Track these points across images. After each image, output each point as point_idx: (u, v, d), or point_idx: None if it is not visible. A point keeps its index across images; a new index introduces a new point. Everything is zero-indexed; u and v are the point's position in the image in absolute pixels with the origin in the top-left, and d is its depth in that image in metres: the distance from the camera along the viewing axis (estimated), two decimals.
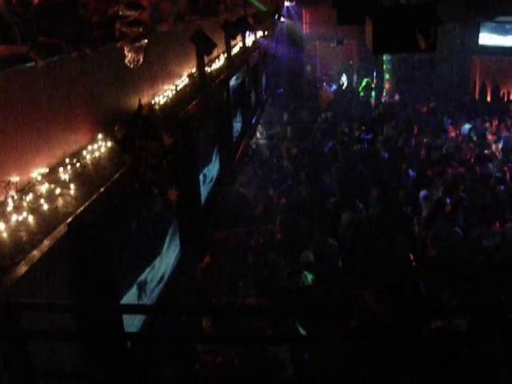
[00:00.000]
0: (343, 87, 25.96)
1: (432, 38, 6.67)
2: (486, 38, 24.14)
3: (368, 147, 12.38)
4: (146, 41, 5.29)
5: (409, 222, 11.04)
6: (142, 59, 5.24)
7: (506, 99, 23.71)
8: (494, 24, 23.68)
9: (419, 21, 6.91)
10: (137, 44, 5.16)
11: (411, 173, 12.80)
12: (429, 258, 9.60)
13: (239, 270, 8.99)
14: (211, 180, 9.53)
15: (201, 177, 8.62)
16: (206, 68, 10.03)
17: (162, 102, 7.70)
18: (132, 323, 5.16)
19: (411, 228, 10.87)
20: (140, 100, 5.60)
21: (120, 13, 5.24)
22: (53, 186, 4.50)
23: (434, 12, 7.25)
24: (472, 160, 14.56)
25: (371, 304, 2.61)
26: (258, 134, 17.75)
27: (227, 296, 7.95)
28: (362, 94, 23.74)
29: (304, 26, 26.71)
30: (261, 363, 5.70)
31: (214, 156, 9.92)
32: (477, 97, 24.61)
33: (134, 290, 5.43)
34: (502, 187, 11.90)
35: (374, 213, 11.20)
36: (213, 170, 9.78)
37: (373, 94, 21.98)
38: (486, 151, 15.39)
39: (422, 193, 11.32)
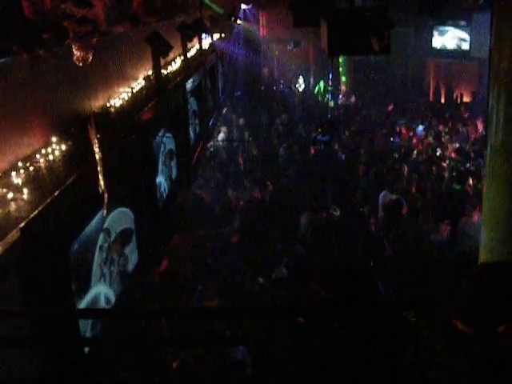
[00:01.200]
0: (300, 89, 26.14)
1: (385, 40, 6.76)
2: (439, 41, 24.66)
3: (325, 149, 12.51)
4: (95, 39, 5.19)
5: (366, 222, 11.18)
6: (91, 58, 5.14)
7: (459, 101, 24.25)
8: (446, 27, 24.22)
9: (373, 24, 6.99)
10: (85, 42, 5.06)
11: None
12: (386, 257, 9.77)
13: (198, 273, 8.99)
14: (168, 184, 9.48)
15: (158, 180, 8.57)
16: (163, 70, 9.97)
17: (117, 105, 7.63)
18: (89, 328, 5.10)
19: (369, 228, 11.01)
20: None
21: (68, 10, 5.14)
22: (5, 190, 4.42)
23: (387, 15, 7.36)
24: (426, 159, 14.87)
25: (318, 290, 2.58)
26: (216, 137, 17.73)
27: (186, 299, 7.94)
28: (319, 96, 23.97)
29: (261, 29, 26.81)
30: (219, 365, 5.70)
31: (172, 159, 9.87)
32: (431, 99, 25.10)
33: (91, 295, 5.37)
34: (457, 186, 12.18)
35: (332, 213, 11.30)
36: (170, 173, 9.73)
37: (329, 96, 22.19)
38: (440, 151, 15.72)
39: (382, 193, 11.46)
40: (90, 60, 5.14)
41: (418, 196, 11.92)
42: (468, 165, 14.08)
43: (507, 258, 6.44)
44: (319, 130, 11.65)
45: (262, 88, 25.45)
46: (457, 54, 24.12)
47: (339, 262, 8.56)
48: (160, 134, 8.77)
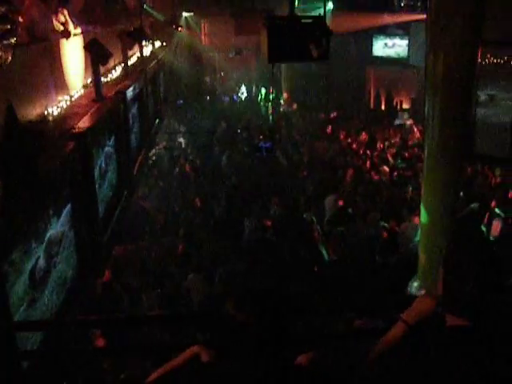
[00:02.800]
0: (243, 97, 26.24)
1: (324, 47, 6.85)
2: (379, 50, 25.19)
3: (266, 155, 12.59)
4: (14, 40, 5.03)
5: (310, 227, 11.25)
6: (10, 58, 4.98)
7: (398, 107, 24.80)
8: (386, 36, 24.77)
9: (312, 31, 7.09)
10: (5, 42, 4.90)
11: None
12: (330, 262, 9.84)
13: (141, 284, 8.88)
14: (109, 192, 9.34)
15: (97, 189, 8.42)
16: (103, 78, 9.85)
17: (55, 114, 7.49)
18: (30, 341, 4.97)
19: (312, 234, 11.09)
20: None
21: None
22: None
23: (325, 23, 7.47)
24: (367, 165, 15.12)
25: (232, 312, 2.54)
26: (157, 145, 17.61)
27: (130, 310, 7.83)
28: (261, 103, 24.10)
29: (203, 37, 26.80)
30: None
31: (112, 168, 9.73)
32: (372, 105, 25.59)
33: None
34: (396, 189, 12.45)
35: (276, 219, 11.36)
36: (111, 182, 9.59)
37: (271, 103, 22.35)
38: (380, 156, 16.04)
39: (328, 199, 11.58)
40: (9, 61, 4.99)
41: (360, 200, 12.09)
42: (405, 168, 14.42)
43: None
44: (261, 136, 11.74)
45: (205, 96, 25.43)
46: (396, 61, 24.69)
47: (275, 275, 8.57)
48: (100, 142, 8.64)
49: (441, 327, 2.43)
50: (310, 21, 7.63)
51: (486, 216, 10.37)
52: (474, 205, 10.84)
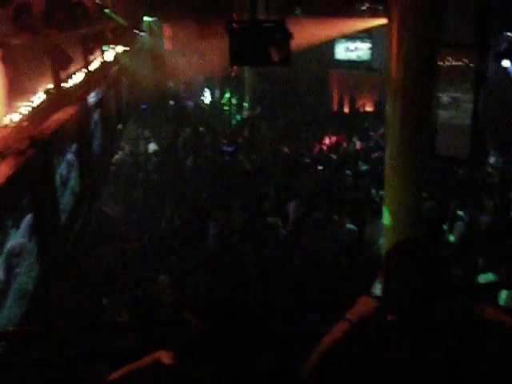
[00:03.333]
0: (207, 101, 26.19)
1: (285, 51, 6.89)
2: (342, 53, 25.36)
3: (230, 159, 12.61)
4: None
5: (274, 231, 11.28)
6: None
7: (362, 110, 25.01)
8: (348, 39, 24.94)
9: (272, 35, 7.12)
10: None
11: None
12: (294, 266, 9.88)
13: (103, 289, 8.78)
14: (71, 199, 9.22)
15: (59, 195, 8.31)
16: (64, 84, 9.73)
17: (15, 120, 7.37)
18: None
19: (277, 238, 11.12)
20: None
21: None
22: None
23: (286, 27, 7.51)
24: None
25: (192, 320, 2.53)
26: (121, 151, 17.45)
27: (92, 315, 7.74)
28: (225, 107, 24.06)
29: (166, 41, 26.62)
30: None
31: (74, 175, 9.61)
32: (335, 109, 25.76)
33: None
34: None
35: (240, 223, 11.38)
36: (73, 189, 9.47)
37: (235, 107, 22.34)
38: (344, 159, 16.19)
39: (291, 204, 11.64)
40: None
41: (325, 202, 12.17)
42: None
43: None
44: (224, 141, 11.74)
45: (169, 101, 25.28)
46: (359, 65, 24.89)
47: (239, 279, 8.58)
48: (61, 149, 8.52)
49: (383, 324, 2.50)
50: (270, 24, 7.68)
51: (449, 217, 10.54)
52: (434, 205, 11.01)
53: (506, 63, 11.32)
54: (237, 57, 7.34)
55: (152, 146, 18.45)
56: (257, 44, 7.19)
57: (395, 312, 2.45)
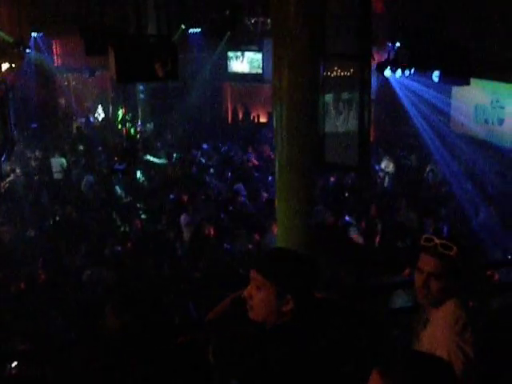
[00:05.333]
0: (99, 119, 25.70)
1: (170, 66, 6.88)
2: (234, 66, 25.64)
3: (122, 177, 12.45)
4: None
5: (171, 245, 11.27)
6: None
7: (256, 122, 25.36)
8: (240, 52, 25.25)
9: (158, 50, 7.11)
10: None
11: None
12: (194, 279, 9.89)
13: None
14: None
15: None
16: None
17: None
18: None
19: (174, 251, 11.11)
20: None
21: None
22: None
23: (173, 42, 7.53)
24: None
25: (111, 321, 2.53)
26: (11, 171, 16.84)
27: None
28: (118, 124, 23.68)
29: (55, 58, 25.93)
30: None
31: None
32: (230, 121, 25.99)
33: None
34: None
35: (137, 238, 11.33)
36: None
37: (127, 123, 22.04)
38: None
39: (182, 217, 11.62)
40: None
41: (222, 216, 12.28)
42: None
43: None
44: (116, 158, 11.60)
45: (60, 119, 24.59)
46: (251, 77, 25.23)
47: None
48: None
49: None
50: (156, 40, 7.67)
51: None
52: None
53: (387, 73, 11.81)
54: (123, 73, 7.25)
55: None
56: (143, 60, 7.14)
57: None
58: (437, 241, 2.90)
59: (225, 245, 10.71)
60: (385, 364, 1.92)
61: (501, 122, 16.79)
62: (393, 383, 1.83)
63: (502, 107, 16.53)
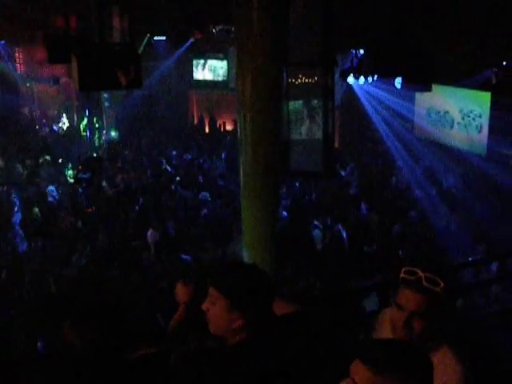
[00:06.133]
0: (64, 128, 25.40)
1: (133, 74, 6.85)
2: (200, 73, 25.64)
3: (87, 187, 12.31)
4: None
5: (138, 256, 11.20)
6: None
7: (222, 129, 25.35)
8: (205, 60, 25.26)
9: (121, 58, 7.07)
10: None
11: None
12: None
13: None
14: None
15: None
16: None
17: None
18: None
19: (142, 262, 11.04)
20: None
21: None
22: None
23: (136, 50, 7.49)
24: None
25: (72, 339, 2.50)
26: None
27: None
28: (84, 133, 23.43)
29: (18, 66, 25.56)
30: None
31: None
32: (196, 129, 25.93)
33: None
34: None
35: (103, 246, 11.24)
36: None
37: (92, 132, 21.83)
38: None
39: (149, 233, 11.61)
40: None
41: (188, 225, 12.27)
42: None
43: None
44: (80, 167, 11.48)
45: (23, 128, 24.20)
46: (217, 85, 25.27)
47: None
48: None
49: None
50: (119, 48, 7.62)
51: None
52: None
53: (350, 80, 11.95)
54: (85, 81, 7.19)
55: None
56: (106, 68, 7.09)
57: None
58: (421, 274, 2.55)
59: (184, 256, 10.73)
60: (365, 352, 1.95)
61: (457, 125, 17.19)
62: (376, 370, 1.87)
63: (465, 113, 16.85)
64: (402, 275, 2.58)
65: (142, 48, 15.40)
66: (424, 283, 2.52)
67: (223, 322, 2.44)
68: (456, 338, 2.74)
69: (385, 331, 2.76)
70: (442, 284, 2.49)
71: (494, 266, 8.88)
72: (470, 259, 9.44)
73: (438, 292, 2.50)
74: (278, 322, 2.52)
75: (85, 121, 23.50)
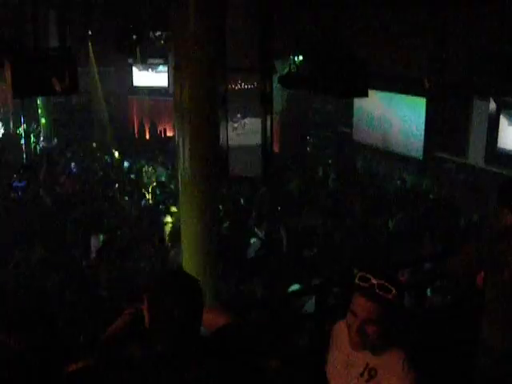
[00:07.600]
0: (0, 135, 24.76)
1: (68, 80, 6.77)
2: (139, 80, 25.43)
3: (21, 195, 12.00)
4: None
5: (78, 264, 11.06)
6: None
7: (163, 136, 25.20)
8: (145, 65, 25.05)
9: (56, 64, 6.98)
10: None
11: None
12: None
13: None
14: None
15: None
16: None
17: None
18: None
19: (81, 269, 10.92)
20: None
21: None
22: None
23: (72, 55, 7.40)
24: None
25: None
26: None
27: None
28: (20, 139, 22.86)
29: None
30: None
31: None
32: (136, 135, 25.71)
33: None
34: None
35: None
36: None
37: (31, 139, 21.34)
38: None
39: (93, 239, 11.47)
40: None
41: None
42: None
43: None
44: (15, 176, 11.23)
45: None
46: (157, 91, 25.11)
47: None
48: None
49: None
50: (55, 53, 7.52)
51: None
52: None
53: (288, 86, 12.03)
54: (19, 87, 7.05)
55: None
56: (40, 74, 6.97)
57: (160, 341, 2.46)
58: (374, 281, 2.55)
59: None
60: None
61: (394, 129, 17.63)
62: None
63: (402, 117, 17.27)
64: (356, 281, 2.60)
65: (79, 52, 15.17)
66: (377, 290, 2.54)
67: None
68: (405, 339, 2.79)
69: (343, 343, 2.77)
70: (394, 291, 2.52)
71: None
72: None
73: (390, 299, 2.52)
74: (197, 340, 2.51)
75: (21, 128, 22.95)
